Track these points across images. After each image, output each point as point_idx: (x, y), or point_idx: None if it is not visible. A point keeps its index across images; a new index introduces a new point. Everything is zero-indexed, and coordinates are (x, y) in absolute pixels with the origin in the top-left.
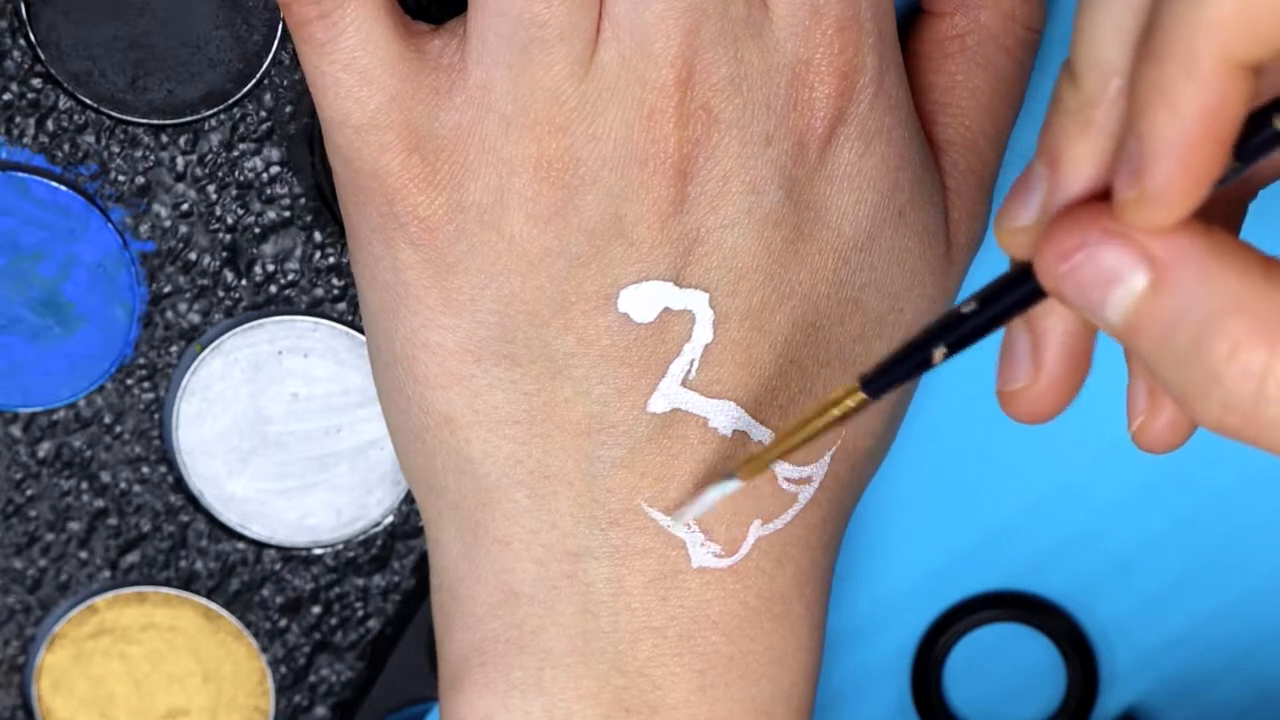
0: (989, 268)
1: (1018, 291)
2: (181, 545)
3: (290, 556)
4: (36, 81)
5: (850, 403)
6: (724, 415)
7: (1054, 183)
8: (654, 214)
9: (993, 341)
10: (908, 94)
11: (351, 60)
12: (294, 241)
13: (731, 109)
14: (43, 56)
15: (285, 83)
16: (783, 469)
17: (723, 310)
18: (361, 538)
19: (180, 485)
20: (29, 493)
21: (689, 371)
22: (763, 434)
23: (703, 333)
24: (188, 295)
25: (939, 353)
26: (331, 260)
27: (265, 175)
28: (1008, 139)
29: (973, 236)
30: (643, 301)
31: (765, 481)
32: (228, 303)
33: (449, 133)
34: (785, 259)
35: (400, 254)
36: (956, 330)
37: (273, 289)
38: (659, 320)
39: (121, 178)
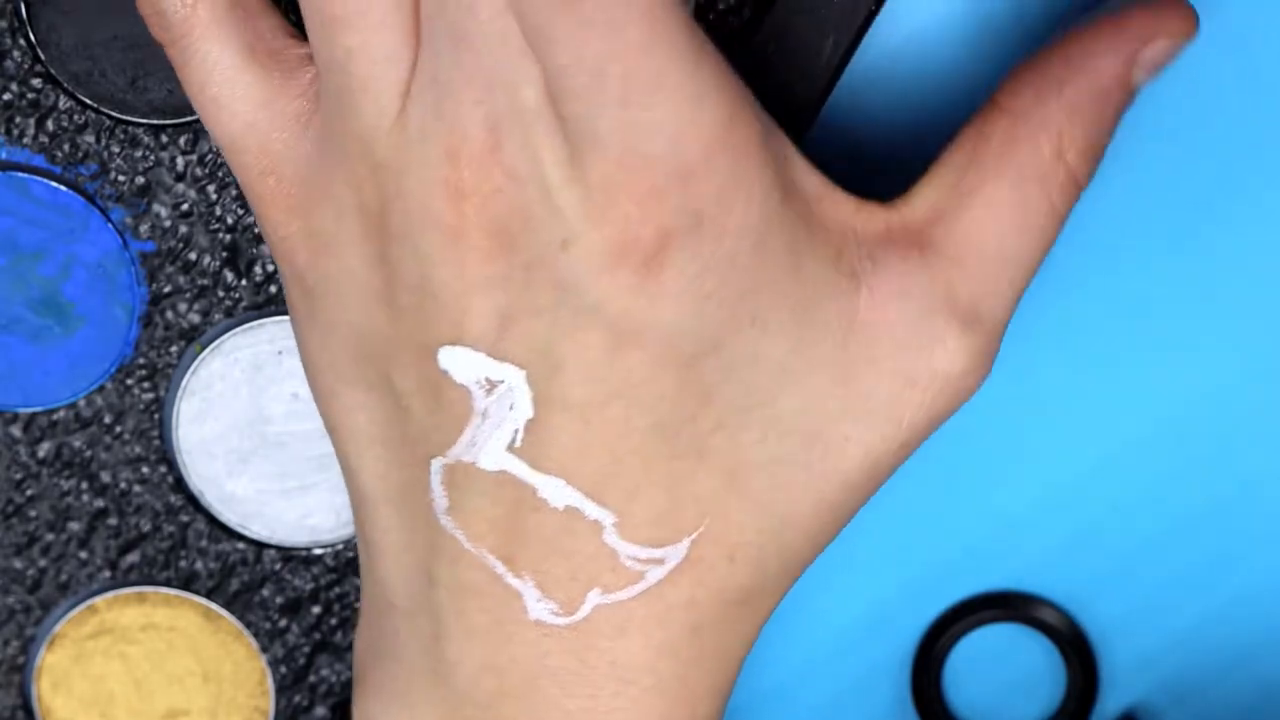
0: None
1: None
2: (181, 545)
3: (290, 556)
4: (36, 81)
5: None
6: (552, 489)
7: None
8: (460, 284)
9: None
10: (781, 196)
11: (202, 88)
12: None
13: (533, 199)
14: (43, 56)
15: None
16: (626, 549)
17: (542, 393)
18: None
19: (180, 485)
20: (29, 493)
21: (514, 440)
22: (599, 512)
23: (523, 407)
24: (188, 295)
25: None
26: None
27: None
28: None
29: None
30: (459, 364)
31: (608, 555)
32: (228, 303)
33: (302, 160)
34: (610, 362)
35: (283, 267)
36: None
37: (273, 289)
38: (479, 385)
39: (121, 178)
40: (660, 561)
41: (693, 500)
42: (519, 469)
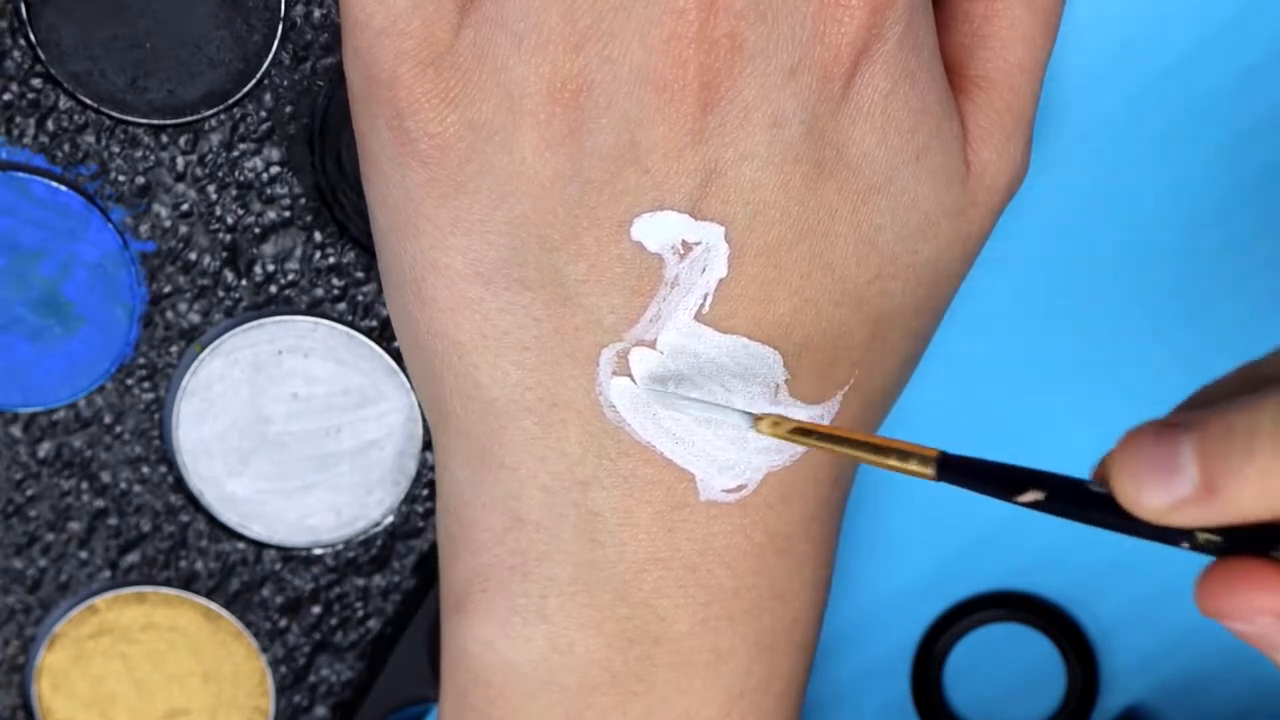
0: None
1: (1158, 534)
2: (181, 545)
3: (290, 556)
4: (36, 81)
5: (914, 467)
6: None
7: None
8: (670, 143)
9: (978, 335)
10: (934, 36)
11: None
12: (294, 241)
13: (755, 37)
14: (43, 56)
15: (285, 83)
16: (795, 410)
17: (738, 245)
18: (361, 538)
19: (180, 485)
20: (29, 493)
21: (702, 305)
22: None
23: (717, 267)
24: (188, 295)
25: (1031, 496)
26: (331, 260)
27: (265, 175)
28: (1045, 71)
29: (1005, 177)
30: (657, 231)
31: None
32: (228, 303)
33: (465, 49)
34: (803, 196)
35: (410, 173)
36: (1070, 502)
37: (273, 289)
38: (674, 251)
39: (121, 178)
40: (821, 420)
41: (847, 351)
42: (704, 336)
